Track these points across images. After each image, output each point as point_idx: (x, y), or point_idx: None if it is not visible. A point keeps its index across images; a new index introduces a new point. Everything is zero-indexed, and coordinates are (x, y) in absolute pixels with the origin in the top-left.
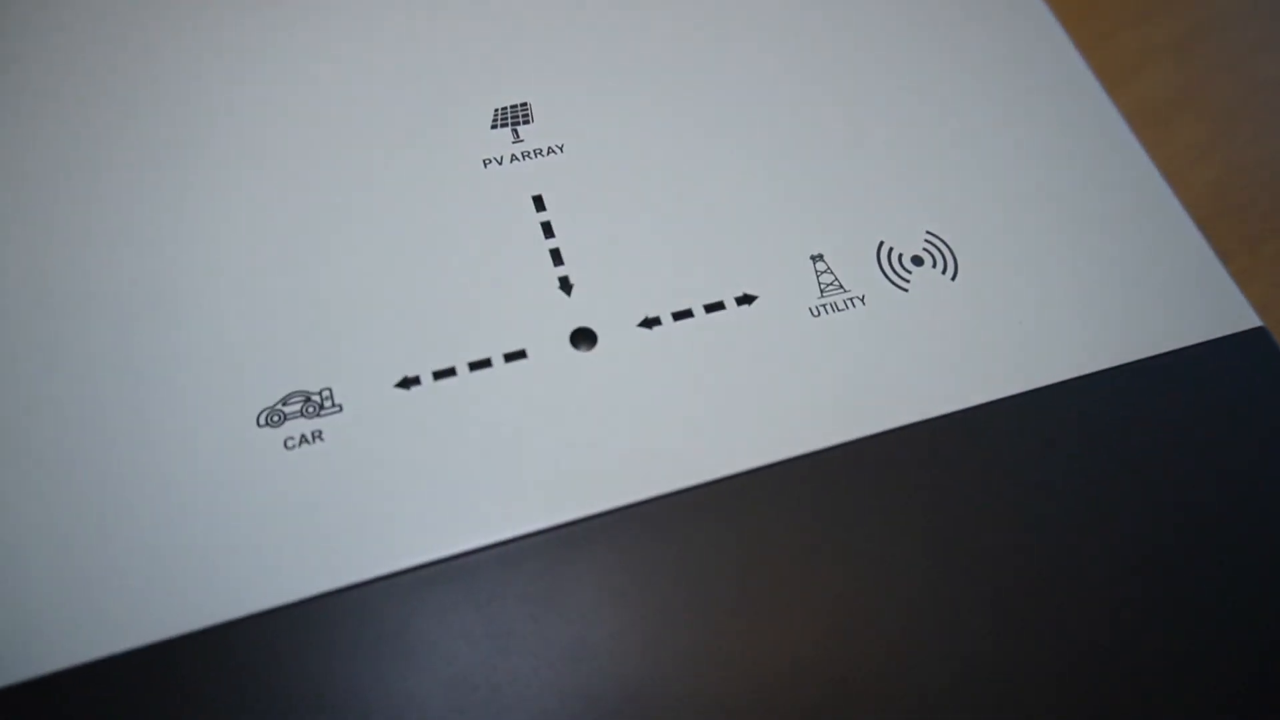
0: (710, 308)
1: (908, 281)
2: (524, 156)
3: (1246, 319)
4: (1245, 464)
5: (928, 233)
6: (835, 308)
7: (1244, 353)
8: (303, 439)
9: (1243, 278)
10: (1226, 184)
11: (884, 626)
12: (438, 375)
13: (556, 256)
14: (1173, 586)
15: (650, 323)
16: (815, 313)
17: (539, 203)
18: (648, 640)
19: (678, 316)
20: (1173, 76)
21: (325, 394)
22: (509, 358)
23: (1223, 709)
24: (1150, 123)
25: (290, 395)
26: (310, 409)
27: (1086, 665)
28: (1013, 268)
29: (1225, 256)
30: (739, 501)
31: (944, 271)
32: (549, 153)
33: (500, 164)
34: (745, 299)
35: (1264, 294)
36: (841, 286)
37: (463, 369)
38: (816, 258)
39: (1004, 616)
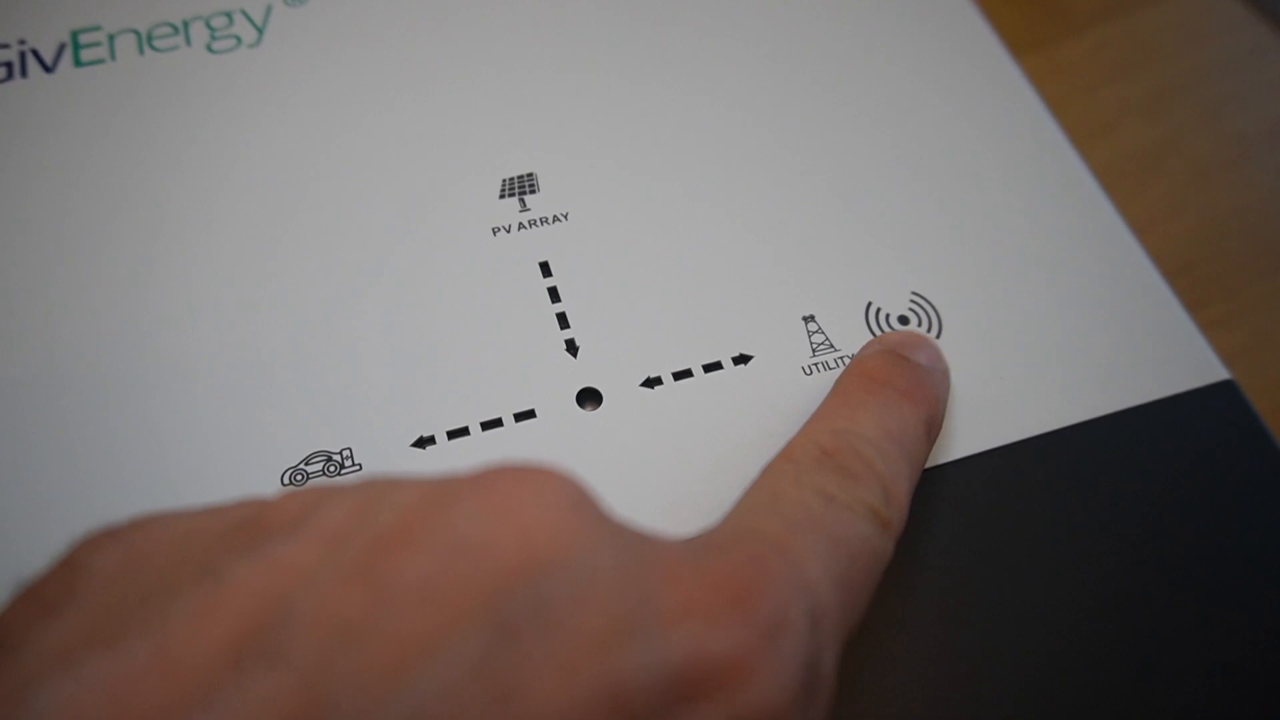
0: (709, 367)
1: None
2: (531, 225)
3: (1215, 372)
4: (1212, 513)
5: (913, 294)
6: (826, 366)
7: (1214, 404)
8: None
9: (1222, 323)
10: (1204, 233)
11: (865, 683)
12: (451, 435)
13: (563, 320)
14: (1141, 639)
15: (652, 382)
16: (808, 371)
17: (545, 268)
18: None
19: (678, 376)
20: (1150, 130)
21: (345, 453)
22: (519, 417)
23: None
24: (1129, 175)
25: (313, 455)
26: (332, 468)
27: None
28: (993, 326)
29: (1204, 304)
30: None
31: (929, 330)
32: (554, 221)
33: (509, 232)
34: (742, 359)
35: (1243, 339)
36: (832, 345)
37: (475, 428)
38: (808, 319)
39: (982, 664)
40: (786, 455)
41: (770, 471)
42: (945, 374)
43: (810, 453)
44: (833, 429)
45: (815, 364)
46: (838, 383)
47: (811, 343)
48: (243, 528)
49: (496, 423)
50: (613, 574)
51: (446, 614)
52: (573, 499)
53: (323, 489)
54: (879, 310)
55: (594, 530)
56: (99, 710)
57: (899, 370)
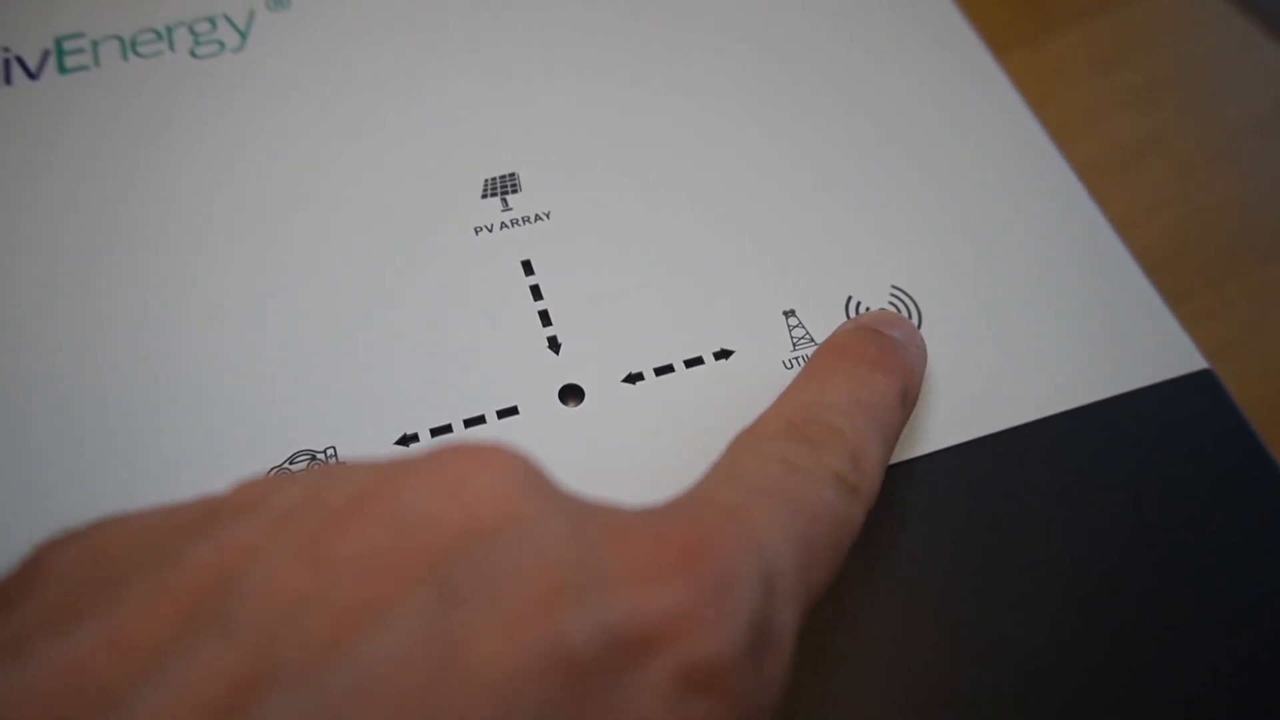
0: (690, 363)
1: None
2: (513, 224)
3: (1193, 362)
4: (1190, 500)
5: (893, 287)
6: (807, 359)
7: (1192, 394)
8: None
9: (1207, 315)
10: (1189, 225)
11: (839, 673)
12: (435, 432)
13: (545, 318)
14: (1119, 626)
15: (634, 378)
16: (788, 365)
17: (528, 267)
18: None
19: (660, 372)
20: (1135, 124)
21: (330, 452)
22: (501, 414)
23: None
24: (1114, 168)
25: (297, 454)
26: (316, 467)
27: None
28: (972, 318)
29: (1189, 296)
30: None
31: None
32: (536, 220)
33: (491, 231)
34: (723, 354)
35: (1229, 330)
36: (812, 339)
37: (458, 425)
38: (789, 313)
39: (956, 653)
40: (752, 429)
41: (733, 445)
42: (921, 349)
43: (776, 425)
44: (800, 402)
45: (796, 358)
46: (810, 360)
47: (792, 337)
48: (200, 519)
49: (479, 420)
50: (559, 538)
51: (390, 582)
52: (521, 473)
53: (279, 477)
54: (859, 304)
55: (541, 500)
56: (47, 691)
57: (871, 342)
